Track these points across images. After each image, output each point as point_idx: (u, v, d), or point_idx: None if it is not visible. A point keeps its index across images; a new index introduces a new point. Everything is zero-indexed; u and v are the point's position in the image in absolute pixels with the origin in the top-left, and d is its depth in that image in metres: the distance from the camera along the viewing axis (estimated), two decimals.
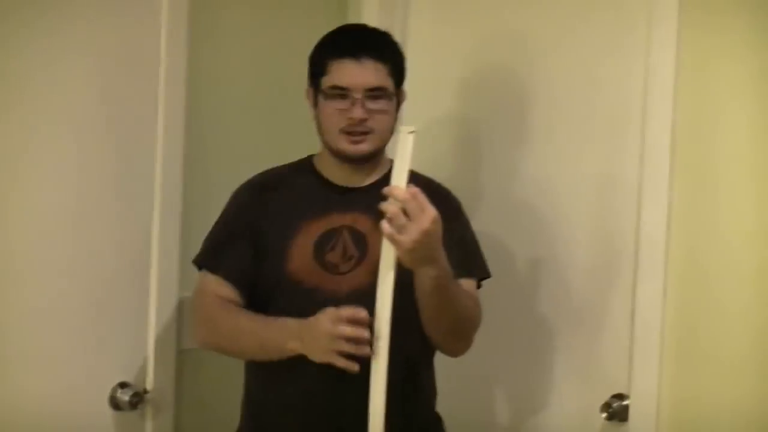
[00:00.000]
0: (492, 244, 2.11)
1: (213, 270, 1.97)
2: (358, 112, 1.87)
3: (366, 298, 1.76)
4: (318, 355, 1.77)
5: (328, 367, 1.77)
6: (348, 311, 1.73)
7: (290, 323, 1.83)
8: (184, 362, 2.25)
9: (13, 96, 1.98)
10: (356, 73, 1.88)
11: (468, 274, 1.95)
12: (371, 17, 2.53)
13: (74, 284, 2.09)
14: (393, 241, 1.66)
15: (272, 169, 2.06)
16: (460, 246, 1.93)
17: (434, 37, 2.53)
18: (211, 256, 1.99)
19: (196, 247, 2.20)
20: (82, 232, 2.10)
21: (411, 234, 1.64)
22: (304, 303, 1.87)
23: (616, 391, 2.14)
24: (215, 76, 2.32)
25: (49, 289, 2.05)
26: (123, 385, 2.16)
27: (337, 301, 1.82)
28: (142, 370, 2.19)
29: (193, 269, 2.19)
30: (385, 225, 1.66)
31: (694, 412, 2.05)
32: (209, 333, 1.97)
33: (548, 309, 2.30)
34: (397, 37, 2.37)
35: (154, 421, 2.20)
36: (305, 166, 2.03)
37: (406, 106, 2.34)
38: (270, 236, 1.94)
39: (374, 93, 1.89)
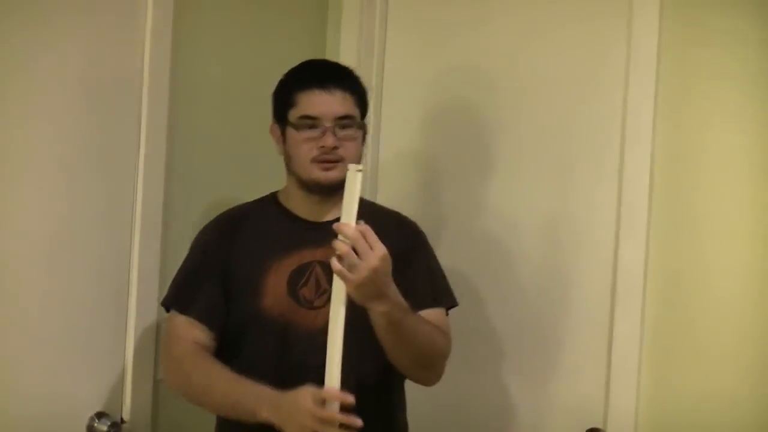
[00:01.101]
0: (459, 277, 2.12)
1: (183, 311, 1.95)
2: (329, 140, 1.89)
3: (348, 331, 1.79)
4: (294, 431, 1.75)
5: None
6: (334, 394, 1.69)
7: (267, 391, 1.79)
8: (161, 392, 2.23)
9: None
10: (326, 102, 1.90)
11: (436, 303, 1.97)
12: (350, 40, 2.55)
13: (51, 313, 2.06)
14: (343, 278, 1.69)
15: (236, 207, 2.06)
16: (427, 276, 1.98)
17: (408, 68, 2.55)
18: (181, 297, 1.97)
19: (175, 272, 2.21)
20: (60, 260, 2.07)
21: (360, 272, 1.67)
22: (279, 339, 1.90)
23: (592, 425, 2.14)
24: (197, 96, 2.31)
25: (25, 318, 2.02)
26: (100, 415, 2.13)
27: (313, 336, 1.85)
28: (119, 399, 2.18)
29: None
30: (334, 263, 1.69)
31: None
32: (180, 382, 1.95)
33: (522, 343, 2.32)
34: (374, 65, 2.51)
35: None
36: (270, 201, 2.04)
37: (382, 139, 2.37)
38: (241, 274, 1.94)
39: (343, 121, 1.91)
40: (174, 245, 2.23)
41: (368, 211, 1.83)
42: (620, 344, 2.10)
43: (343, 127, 1.91)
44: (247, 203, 2.06)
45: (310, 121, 1.90)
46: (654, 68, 2.08)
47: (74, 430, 2.12)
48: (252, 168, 2.42)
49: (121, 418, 2.17)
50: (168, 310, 2.00)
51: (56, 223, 2.07)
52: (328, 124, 1.89)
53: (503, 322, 2.33)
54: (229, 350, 1.93)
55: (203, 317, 1.93)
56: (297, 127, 1.91)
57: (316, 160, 1.90)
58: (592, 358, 2.18)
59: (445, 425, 2.38)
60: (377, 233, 1.76)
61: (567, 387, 2.22)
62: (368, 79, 2.50)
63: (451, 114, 2.47)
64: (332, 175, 1.91)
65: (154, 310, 2.21)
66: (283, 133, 1.95)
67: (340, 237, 1.69)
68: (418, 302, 1.90)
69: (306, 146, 1.90)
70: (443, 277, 2.04)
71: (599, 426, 2.14)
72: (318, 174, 1.91)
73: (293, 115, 1.92)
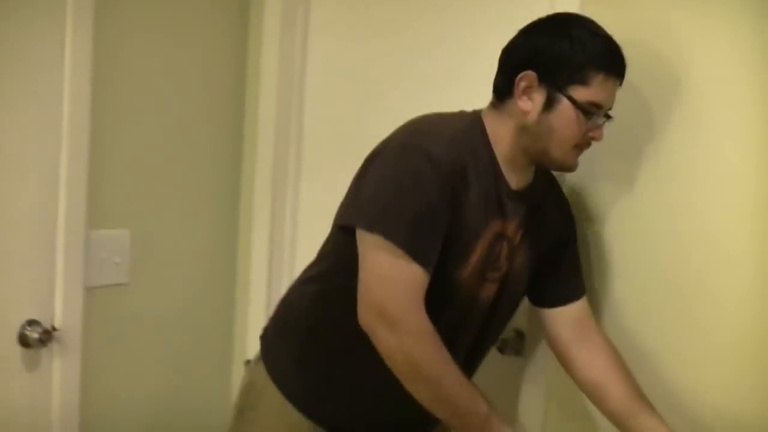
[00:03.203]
0: None
1: (422, 261, 1.61)
2: (601, 134, 1.74)
3: (490, 308, 1.79)
4: None
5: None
6: None
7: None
8: (92, 300, 2.24)
9: None
10: (612, 95, 1.74)
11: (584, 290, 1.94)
12: (272, 40, 2.53)
13: None
14: None
15: (458, 144, 1.69)
16: (579, 265, 1.93)
17: (329, 68, 2.52)
18: (419, 242, 1.61)
19: (104, 184, 2.23)
20: None
21: None
22: (456, 307, 1.75)
23: None
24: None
25: None
26: (31, 323, 2.13)
27: (478, 307, 1.77)
28: (51, 307, 2.17)
29: (101, 204, 2.23)
30: None
31: None
32: (420, 361, 1.61)
33: None
34: (297, 34, 2.51)
35: (63, 358, 2.19)
36: (485, 153, 1.73)
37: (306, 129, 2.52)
38: (455, 236, 1.67)
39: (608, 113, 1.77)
40: (101, 152, 2.22)
41: (545, 183, 1.85)
42: None
43: (606, 118, 1.76)
44: (464, 139, 1.71)
45: (595, 110, 1.70)
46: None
47: (6, 336, 2.12)
48: (174, 86, 2.43)
49: (53, 326, 2.17)
50: (388, 242, 1.60)
51: None
52: (604, 117, 1.74)
53: None
54: None
55: (431, 270, 1.63)
56: (584, 111, 1.69)
57: (578, 147, 1.74)
58: None
59: None
60: (546, 212, 1.82)
61: None
62: (290, 77, 2.52)
63: (374, 107, 2.41)
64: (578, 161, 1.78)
65: (83, 218, 2.20)
66: (550, 101, 1.69)
67: None
68: (576, 292, 1.89)
69: (579, 130, 1.70)
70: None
71: None
72: (574, 161, 1.75)
73: (581, 95, 1.68)
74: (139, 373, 2.38)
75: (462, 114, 1.78)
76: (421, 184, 1.61)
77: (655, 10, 1.92)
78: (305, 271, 1.86)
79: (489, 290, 1.78)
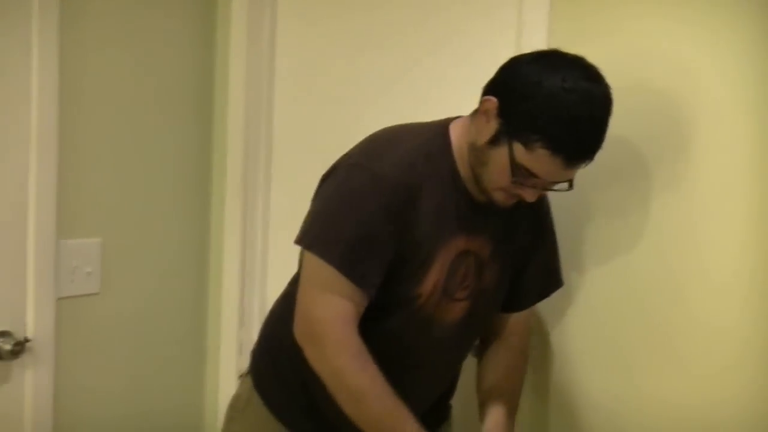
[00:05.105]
0: None
1: (357, 281, 1.60)
2: (531, 198, 1.65)
3: (460, 329, 1.76)
4: None
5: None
6: None
7: None
8: (64, 310, 2.21)
9: None
10: (556, 174, 1.61)
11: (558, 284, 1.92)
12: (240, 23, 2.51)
13: None
14: None
15: (411, 161, 1.64)
16: (556, 257, 1.89)
17: (299, 64, 2.49)
18: (355, 264, 1.61)
19: (74, 192, 2.21)
20: None
21: None
22: (418, 326, 1.73)
23: None
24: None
25: None
26: (3, 334, 2.10)
27: (442, 329, 1.74)
28: (22, 318, 2.15)
29: (71, 213, 2.21)
30: None
31: None
32: (329, 368, 1.64)
33: None
34: (265, 42, 2.46)
35: (36, 369, 2.16)
36: (448, 168, 1.68)
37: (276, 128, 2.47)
38: (410, 255, 1.65)
39: (558, 184, 1.66)
40: (71, 161, 2.20)
41: None
42: None
43: (552, 186, 1.65)
44: (420, 155, 1.65)
45: (526, 175, 1.60)
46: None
47: None
48: (144, 89, 2.40)
49: (25, 337, 2.14)
50: (316, 257, 1.63)
51: None
52: (541, 186, 1.64)
53: None
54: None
55: (372, 293, 1.63)
56: (513, 170, 1.59)
57: (504, 192, 1.65)
58: None
59: None
60: (519, 220, 1.74)
61: None
62: (259, 76, 2.50)
63: (343, 112, 2.40)
64: (509, 203, 1.68)
65: (53, 228, 2.17)
66: (496, 138, 1.60)
67: None
68: (547, 287, 1.88)
69: (506, 181, 1.62)
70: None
71: None
72: (499, 199, 1.67)
73: (520, 155, 1.57)
74: (112, 382, 2.35)
75: (427, 126, 1.72)
76: (363, 204, 1.61)
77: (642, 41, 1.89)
78: (288, 284, 1.86)
79: (459, 308, 1.74)
